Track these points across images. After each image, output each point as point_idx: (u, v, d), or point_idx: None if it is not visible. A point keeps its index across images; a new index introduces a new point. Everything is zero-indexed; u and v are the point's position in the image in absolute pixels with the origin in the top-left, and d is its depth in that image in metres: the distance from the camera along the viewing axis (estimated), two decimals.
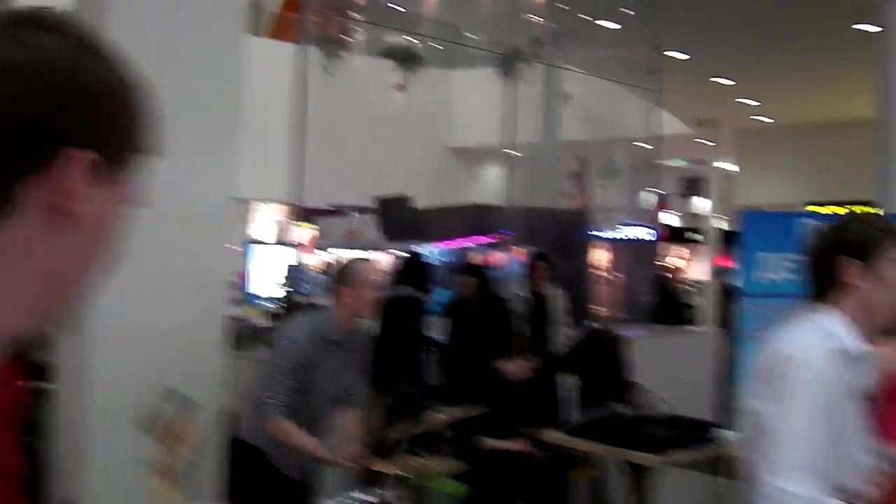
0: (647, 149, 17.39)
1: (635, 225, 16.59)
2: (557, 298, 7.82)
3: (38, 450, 4.28)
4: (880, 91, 9.75)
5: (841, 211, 16.16)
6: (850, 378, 2.31)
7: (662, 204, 17.72)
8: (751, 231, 6.21)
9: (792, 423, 2.20)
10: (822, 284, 2.40)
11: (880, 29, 9.93)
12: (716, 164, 19.09)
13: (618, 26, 12.51)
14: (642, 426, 5.28)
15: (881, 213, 9.57)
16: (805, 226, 5.95)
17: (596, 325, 7.44)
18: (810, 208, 18.14)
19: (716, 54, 13.94)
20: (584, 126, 14.97)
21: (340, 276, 4.49)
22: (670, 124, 18.11)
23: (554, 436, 5.37)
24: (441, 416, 5.12)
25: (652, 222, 17.44)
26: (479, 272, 8.15)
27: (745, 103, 16.95)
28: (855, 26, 11.39)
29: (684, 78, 15.02)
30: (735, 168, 19.93)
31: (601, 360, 6.46)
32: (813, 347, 2.29)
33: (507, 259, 10.14)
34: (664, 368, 6.54)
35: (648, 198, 19.58)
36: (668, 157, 21.08)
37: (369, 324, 6.60)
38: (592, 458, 5.63)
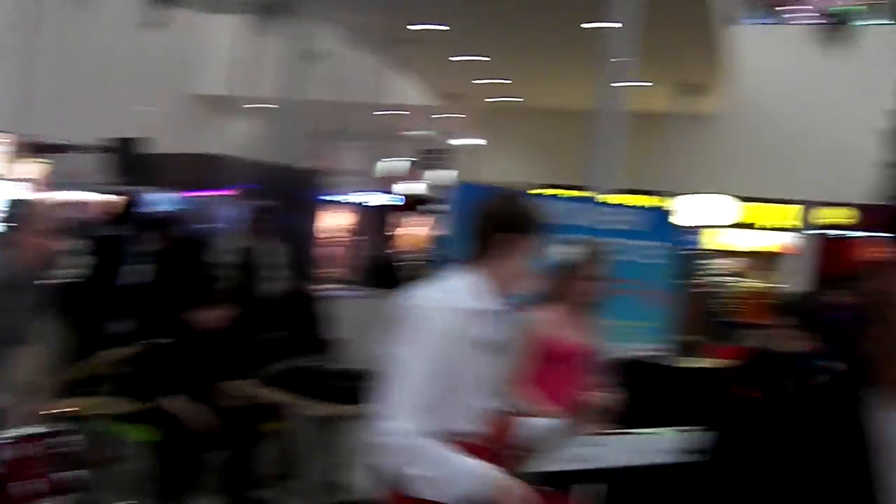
0: (394, 116, 17.75)
1: (375, 191, 16.92)
2: (275, 253, 7.86)
3: None
4: (599, 84, 10.51)
5: (575, 193, 17.13)
6: (478, 333, 2.53)
7: (409, 172, 18.14)
8: (465, 202, 6.52)
9: (407, 368, 2.39)
10: (477, 249, 2.63)
11: (606, 26, 10.67)
12: (462, 138, 19.67)
13: None
14: (332, 379, 5.48)
15: (594, 196, 10.34)
16: None
17: (299, 281, 7.58)
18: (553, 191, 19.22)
19: (472, 30, 14.29)
20: (332, 88, 15.03)
21: (21, 217, 4.36)
22: (419, 95, 18.54)
23: (246, 386, 5.44)
24: (122, 353, 5.08)
25: (393, 190, 17.84)
26: (178, 222, 8.07)
27: (496, 81, 17.51)
28: (584, 25, 12.11)
29: (439, 50, 15.36)
30: (481, 143, 20.65)
31: (301, 315, 6.61)
32: (438, 302, 2.48)
33: (231, 211, 10.08)
34: (369, 328, 6.76)
35: (392, 165, 19.98)
36: (416, 127, 21.56)
37: (65, 264, 6.40)
38: (284, 408, 5.76)
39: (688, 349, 9.66)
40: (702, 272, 14.79)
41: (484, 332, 2.54)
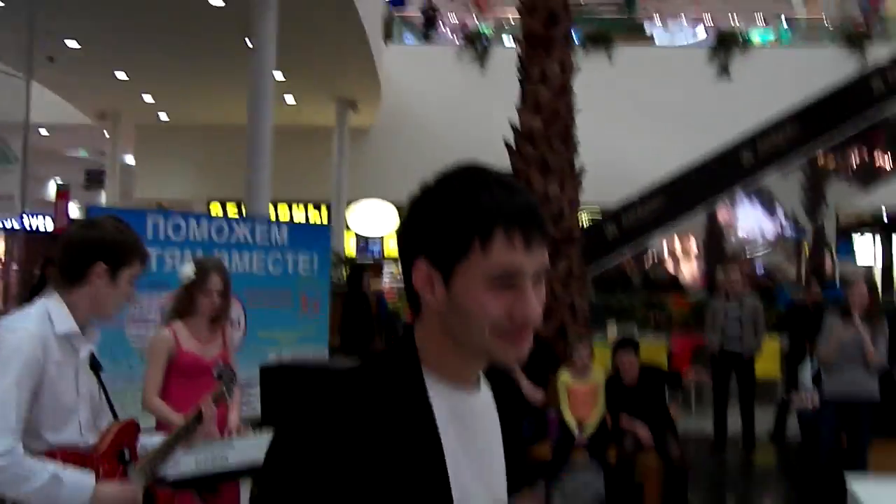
0: (44, 137, 16.84)
1: (34, 214, 16.04)
2: None
3: None
4: (250, 101, 10.69)
5: (231, 210, 17.11)
6: (68, 355, 2.64)
7: (64, 194, 17.30)
8: None
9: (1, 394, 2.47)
10: (68, 274, 2.70)
11: (251, 44, 10.85)
12: (117, 157, 19.08)
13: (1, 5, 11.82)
14: None
15: (245, 211, 10.48)
16: (153, 223, 6.41)
17: None
18: (214, 206, 19.13)
19: (108, 47, 13.89)
20: None
21: None
22: (71, 114, 17.73)
23: None
24: None
25: (57, 213, 16.95)
26: None
27: (143, 100, 17.16)
28: (236, 43, 12.24)
29: (84, 68, 14.85)
30: (133, 162, 20.06)
31: None
32: (25, 329, 2.57)
33: None
34: None
35: (49, 188, 19.00)
36: (71, 148, 20.54)
37: None
38: None
39: (360, 351, 10.09)
40: (371, 278, 15.39)
41: (73, 352, 2.67)
